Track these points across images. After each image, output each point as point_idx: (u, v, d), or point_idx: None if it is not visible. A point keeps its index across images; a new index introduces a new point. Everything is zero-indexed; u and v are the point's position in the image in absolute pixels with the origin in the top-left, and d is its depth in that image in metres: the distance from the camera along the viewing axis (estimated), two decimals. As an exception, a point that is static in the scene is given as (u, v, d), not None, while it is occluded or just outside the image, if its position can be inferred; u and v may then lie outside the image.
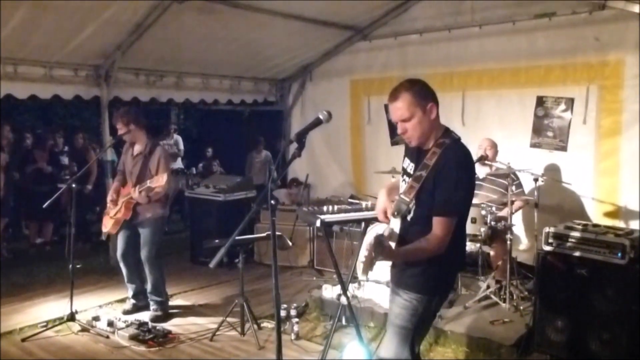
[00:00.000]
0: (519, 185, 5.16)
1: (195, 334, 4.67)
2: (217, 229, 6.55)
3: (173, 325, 4.87)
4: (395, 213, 2.58)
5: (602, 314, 3.59)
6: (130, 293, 5.17)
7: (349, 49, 7.26)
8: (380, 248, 2.28)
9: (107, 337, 4.57)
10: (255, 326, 4.58)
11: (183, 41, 6.13)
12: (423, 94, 2.52)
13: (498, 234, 4.89)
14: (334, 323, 3.96)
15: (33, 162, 7.69)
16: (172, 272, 6.17)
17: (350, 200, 6.27)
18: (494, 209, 5.03)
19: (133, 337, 4.49)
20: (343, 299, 3.85)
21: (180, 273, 6.44)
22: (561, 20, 5.44)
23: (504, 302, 4.70)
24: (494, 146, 5.26)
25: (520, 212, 5.41)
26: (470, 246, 5.02)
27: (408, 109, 2.50)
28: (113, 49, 5.92)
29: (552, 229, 3.88)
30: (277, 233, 2.44)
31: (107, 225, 5.06)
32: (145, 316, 4.96)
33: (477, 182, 5.18)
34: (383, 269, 2.89)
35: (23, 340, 4.50)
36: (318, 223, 3.60)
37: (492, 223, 4.84)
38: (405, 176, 2.70)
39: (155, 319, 4.90)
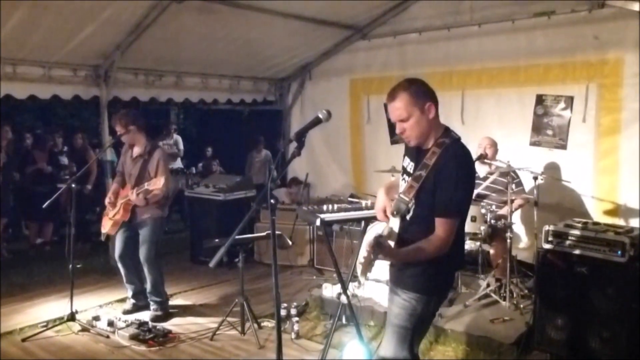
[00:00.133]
0: (519, 184, 5.17)
1: (195, 333, 4.68)
2: (217, 228, 6.55)
3: (173, 324, 4.87)
4: (395, 212, 2.58)
5: (602, 312, 3.58)
6: (129, 293, 5.18)
7: (348, 48, 7.26)
8: (379, 249, 2.28)
9: (108, 336, 4.57)
10: (256, 325, 4.58)
11: (182, 41, 6.13)
12: (421, 94, 2.52)
13: (498, 233, 4.89)
14: (334, 322, 3.96)
15: (33, 162, 7.68)
16: (172, 272, 6.18)
17: (350, 199, 6.28)
18: (493, 207, 5.04)
19: (133, 337, 4.49)
20: (343, 298, 3.86)
21: (180, 273, 6.44)
22: (560, 19, 5.44)
23: (504, 300, 4.70)
24: (494, 145, 5.26)
25: (520, 210, 5.42)
26: (470, 244, 5.02)
27: (406, 108, 2.50)
28: (112, 49, 5.92)
29: (551, 227, 3.88)
30: (277, 232, 2.44)
31: (106, 226, 5.07)
32: (145, 316, 4.96)
33: (477, 182, 5.20)
34: (383, 268, 2.90)
35: (23, 340, 4.50)
36: (318, 222, 3.61)
37: (492, 221, 4.85)
38: (405, 175, 2.69)
39: (156, 319, 4.90)
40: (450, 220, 2.46)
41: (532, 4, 5.53)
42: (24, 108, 12.19)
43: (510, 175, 4.86)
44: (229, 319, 4.67)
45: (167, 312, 5.05)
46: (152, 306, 5.03)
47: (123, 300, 5.36)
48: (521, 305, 4.57)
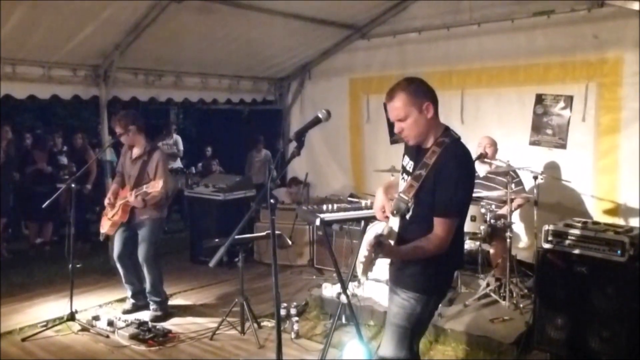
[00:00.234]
0: (519, 183, 5.16)
1: (195, 333, 4.68)
2: (217, 228, 6.55)
3: (173, 324, 4.87)
4: (395, 211, 2.59)
5: (601, 311, 3.58)
6: (129, 293, 5.18)
7: (348, 47, 7.26)
8: (379, 248, 2.28)
9: (107, 336, 4.57)
10: (255, 325, 4.58)
11: (182, 41, 6.13)
12: (420, 94, 2.51)
13: (498, 232, 4.89)
14: (334, 322, 3.97)
15: (33, 162, 7.68)
16: (171, 272, 6.19)
17: (349, 198, 6.28)
18: (493, 207, 5.04)
19: (133, 337, 4.49)
20: (343, 298, 3.86)
21: (180, 272, 6.44)
22: (560, 18, 5.44)
23: (504, 300, 4.70)
24: (494, 144, 5.26)
25: (519, 210, 5.42)
26: (470, 244, 5.02)
27: (404, 108, 2.50)
28: (112, 49, 5.91)
29: (551, 227, 3.88)
30: (277, 232, 2.43)
31: (105, 226, 5.07)
32: (145, 315, 4.96)
33: (477, 181, 5.20)
34: (383, 267, 2.90)
35: (23, 340, 4.50)
36: (318, 222, 3.61)
37: (492, 221, 4.85)
38: (404, 174, 2.70)
39: (155, 319, 4.90)
40: (450, 219, 2.46)
41: (532, 3, 5.53)
42: (23, 108, 12.20)
43: (510, 174, 4.86)
44: (228, 318, 4.67)
45: (166, 312, 5.05)
46: (152, 306, 5.03)
47: (123, 300, 5.36)
48: (521, 305, 4.57)
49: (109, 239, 5.30)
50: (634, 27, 4.90)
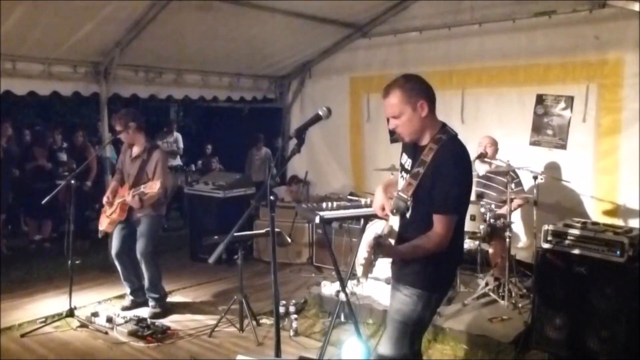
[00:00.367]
0: (519, 184, 5.17)
1: (194, 330, 4.68)
2: (216, 225, 6.53)
3: (172, 321, 4.87)
4: (394, 210, 2.59)
5: (600, 311, 3.58)
6: (127, 290, 5.18)
7: (349, 46, 7.26)
8: (379, 249, 2.28)
9: (106, 333, 4.57)
10: (254, 322, 4.58)
11: (182, 38, 6.12)
12: (415, 92, 2.52)
13: (497, 232, 4.89)
14: (333, 320, 3.96)
15: (32, 159, 7.68)
16: (171, 269, 6.19)
17: (349, 197, 6.28)
18: (493, 206, 5.04)
19: (132, 333, 4.49)
20: (342, 296, 3.86)
21: (179, 270, 6.44)
22: (561, 19, 5.44)
23: (503, 299, 4.71)
24: (494, 144, 5.26)
25: (519, 210, 5.42)
26: (469, 243, 5.03)
27: (399, 105, 2.52)
28: (112, 46, 5.91)
29: (551, 227, 3.88)
30: (276, 230, 2.43)
31: (103, 224, 5.08)
32: (144, 312, 4.97)
33: (477, 180, 5.20)
34: (382, 265, 2.90)
35: (22, 336, 4.51)
36: (317, 219, 3.61)
37: (491, 221, 4.85)
38: (403, 172, 2.70)
39: (154, 315, 4.91)
40: (449, 216, 2.46)
41: (533, 3, 5.53)
42: (23, 105, 12.19)
43: (509, 174, 4.86)
44: (227, 316, 4.67)
45: (165, 309, 5.06)
46: (151, 303, 5.04)
47: (122, 296, 5.36)
48: (520, 305, 4.58)
49: (108, 236, 5.30)
50: (635, 28, 4.90)
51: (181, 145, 10.02)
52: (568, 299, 3.73)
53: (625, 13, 4.94)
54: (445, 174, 2.44)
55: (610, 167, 5.29)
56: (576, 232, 3.77)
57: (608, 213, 5.26)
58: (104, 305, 5.31)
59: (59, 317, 4.78)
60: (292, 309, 4.72)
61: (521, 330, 4.17)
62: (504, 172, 4.93)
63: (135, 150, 4.99)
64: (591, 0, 5.16)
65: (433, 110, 2.56)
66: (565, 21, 5.42)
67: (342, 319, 4.54)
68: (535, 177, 4.80)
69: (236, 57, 7.09)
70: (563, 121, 5.57)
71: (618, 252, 3.54)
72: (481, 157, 5.08)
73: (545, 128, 5.67)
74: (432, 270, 2.56)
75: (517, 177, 5.17)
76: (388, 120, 2.66)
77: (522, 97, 5.82)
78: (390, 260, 2.75)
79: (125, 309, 5.09)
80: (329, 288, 5.07)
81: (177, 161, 9.71)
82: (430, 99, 2.55)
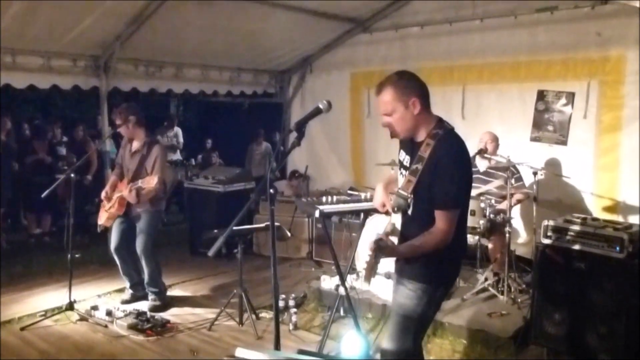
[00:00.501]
0: (519, 179, 5.16)
1: (193, 323, 4.69)
2: (216, 220, 6.53)
3: (171, 315, 4.88)
4: (396, 209, 2.59)
5: (599, 307, 3.58)
6: (127, 284, 5.19)
7: (350, 41, 7.24)
8: (381, 252, 2.29)
9: (106, 326, 4.58)
10: (254, 316, 4.59)
11: (182, 32, 6.10)
12: (407, 89, 2.50)
13: (497, 227, 4.89)
14: (332, 314, 3.98)
15: (32, 152, 7.67)
16: (171, 263, 6.20)
17: (349, 191, 6.28)
18: (493, 201, 5.04)
19: (131, 327, 4.50)
20: (341, 290, 3.87)
21: (179, 264, 6.45)
22: (563, 15, 5.42)
23: (502, 294, 4.72)
24: (495, 140, 5.25)
25: (519, 205, 5.42)
26: (468, 239, 5.02)
27: (391, 103, 2.51)
28: (112, 40, 5.89)
29: (551, 222, 3.88)
30: (276, 224, 2.43)
31: (102, 218, 5.08)
32: (143, 306, 4.98)
33: (477, 176, 5.20)
34: (382, 261, 2.90)
35: (22, 329, 4.51)
36: (317, 213, 3.62)
37: (491, 216, 4.85)
38: (402, 169, 2.69)
39: (154, 309, 4.91)
40: (450, 211, 2.46)
41: (535, -1, 5.52)
42: (23, 99, 12.18)
43: (510, 170, 4.85)
44: (227, 309, 4.68)
45: (165, 303, 5.06)
46: (150, 296, 5.05)
47: (121, 290, 5.37)
48: (519, 300, 4.59)
49: (107, 230, 5.30)
50: (637, 26, 4.88)
51: (181, 140, 10.01)
52: (567, 295, 3.73)
53: (628, 10, 4.92)
54: (444, 169, 2.44)
55: (611, 164, 5.28)
56: (576, 228, 3.77)
57: (608, 209, 5.26)
58: (103, 298, 5.32)
59: (58, 310, 4.79)
60: (291, 303, 4.73)
61: (520, 326, 4.18)
62: (504, 167, 4.92)
63: (135, 144, 4.98)
64: (593, -4, 5.16)
65: (427, 107, 2.55)
66: (567, 17, 5.40)
67: (342, 313, 4.55)
68: (535, 173, 4.80)
69: (237, 52, 7.08)
70: (564, 117, 5.56)
71: (618, 248, 3.53)
72: (481, 152, 5.08)
73: (546, 124, 5.67)
74: (436, 264, 2.55)
75: (518, 172, 5.17)
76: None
77: (523, 93, 5.81)
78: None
79: (124, 302, 5.10)
80: (328, 282, 5.07)
81: (177, 155, 9.70)
82: (423, 96, 2.53)
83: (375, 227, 4.45)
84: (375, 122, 7.04)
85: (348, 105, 7.35)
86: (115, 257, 5.06)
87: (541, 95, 5.67)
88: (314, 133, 7.47)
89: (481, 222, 4.79)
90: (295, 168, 7.81)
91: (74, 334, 4.48)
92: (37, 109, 13.09)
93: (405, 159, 2.66)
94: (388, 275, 4.45)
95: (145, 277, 5.04)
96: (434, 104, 2.61)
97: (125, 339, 4.37)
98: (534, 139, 5.75)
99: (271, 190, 2.36)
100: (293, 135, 2.46)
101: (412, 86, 2.52)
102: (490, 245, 5.10)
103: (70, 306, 4.78)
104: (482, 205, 4.86)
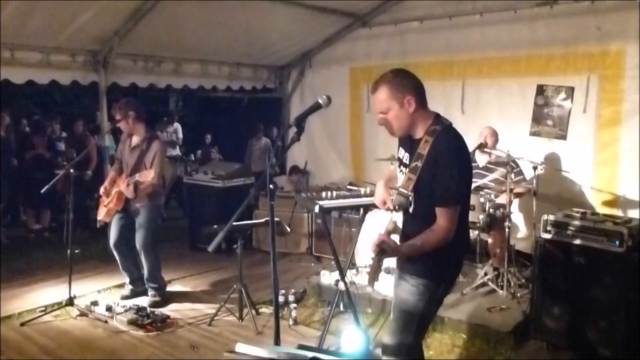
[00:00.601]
0: (519, 173, 5.16)
1: (193, 319, 4.70)
2: (216, 215, 6.53)
3: (171, 310, 4.89)
4: (397, 207, 2.58)
5: (599, 301, 3.60)
6: (127, 279, 5.19)
7: (349, 36, 7.21)
8: (384, 255, 2.29)
9: (106, 321, 4.59)
10: (254, 312, 4.59)
11: (181, 27, 6.08)
12: (402, 87, 2.50)
13: (496, 222, 4.90)
14: (332, 309, 3.98)
15: (31, 148, 7.66)
16: (170, 259, 6.20)
17: (348, 187, 6.28)
18: (492, 196, 5.04)
19: (131, 322, 4.50)
20: (341, 285, 3.88)
21: (178, 259, 6.46)
22: (563, 9, 5.40)
23: (502, 289, 4.72)
24: (495, 134, 5.24)
25: (518, 200, 5.42)
26: (468, 234, 5.03)
27: (386, 101, 2.51)
28: (111, 35, 5.87)
29: (550, 217, 3.89)
30: (276, 219, 2.43)
31: (101, 213, 5.08)
32: (143, 301, 4.98)
33: (477, 171, 5.20)
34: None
35: (22, 324, 4.52)
36: (317, 209, 3.61)
37: (491, 210, 4.85)
38: (401, 167, 2.69)
39: (154, 304, 4.92)
40: (452, 208, 2.46)
41: (535, -7, 5.50)
42: (22, 94, 12.16)
43: (509, 164, 4.85)
44: (227, 305, 4.68)
45: (165, 298, 5.07)
46: (150, 292, 5.05)
47: (121, 285, 5.38)
48: (518, 295, 4.59)
49: (107, 225, 5.30)
50: (636, 20, 4.87)
51: (180, 135, 10.01)
52: (567, 289, 3.74)
53: (627, 4, 4.91)
54: (443, 166, 2.43)
55: (611, 159, 5.28)
56: (576, 222, 3.77)
57: (607, 204, 5.26)
58: (103, 294, 5.32)
59: (58, 306, 4.80)
60: (291, 298, 4.74)
61: (520, 320, 4.19)
62: (504, 162, 4.92)
63: (135, 140, 4.98)
64: (593, -10, 5.14)
65: (423, 104, 2.54)
66: (567, 11, 5.38)
67: (341, 308, 4.55)
68: (535, 168, 4.80)
69: (236, 47, 7.05)
70: (563, 112, 5.55)
71: (617, 243, 3.54)
72: (481, 147, 5.07)
73: (546, 119, 5.66)
74: (439, 260, 2.54)
75: (518, 166, 5.17)
76: None
77: (522, 87, 5.80)
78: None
79: (124, 297, 5.11)
80: (328, 277, 5.08)
81: (176, 151, 9.70)
82: (419, 94, 2.52)
83: (375, 223, 4.46)
84: (375, 116, 6.99)
85: (347, 100, 7.33)
86: (115, 253, 5.07)
87: (540, 90, 5.66)
88: (314, 128, 7.46)
89: (481, 216, 4.79)
90: (294, 163, 7.80)
91: (74, 329, 4.49)
92: (36, 104, 13.06)
93: (405, 156, 2.65)
94: (388, 270, 4.44)
95: (145, 272, 5.04)
96: (433, 99, 2.60)
97: (125, 335, 4.37)
98: (533, 134, 5.74)
99: (271, 186, 2.36)
100: (292, 131, 2.45)
101: (407, 84, 2.51)
102: (490, 240, 5.10)
103: (70, 302, 4.78)
104: (482, 200, 4.86)
